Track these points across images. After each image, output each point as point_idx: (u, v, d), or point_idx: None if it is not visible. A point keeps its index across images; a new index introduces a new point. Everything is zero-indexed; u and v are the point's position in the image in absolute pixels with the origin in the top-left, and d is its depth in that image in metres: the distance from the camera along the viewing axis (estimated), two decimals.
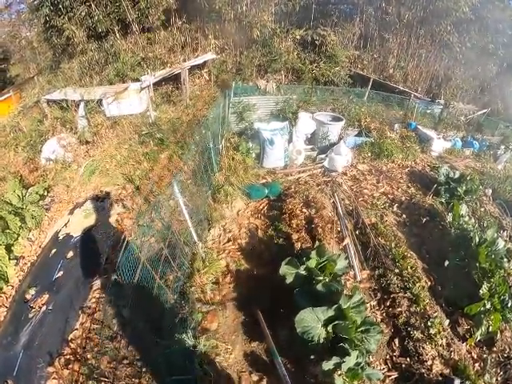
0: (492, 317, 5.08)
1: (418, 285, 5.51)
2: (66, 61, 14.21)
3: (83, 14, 12.41)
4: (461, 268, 5.86)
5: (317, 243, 5.18)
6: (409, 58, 15.63)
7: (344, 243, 6.10)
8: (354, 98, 11.90)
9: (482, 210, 7.91)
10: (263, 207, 6.95)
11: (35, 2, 13.07)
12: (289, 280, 4.74)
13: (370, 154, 9.59)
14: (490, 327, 5.07)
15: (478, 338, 5.08)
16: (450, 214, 6.96)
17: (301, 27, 13.98)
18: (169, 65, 12.70)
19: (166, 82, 12.25)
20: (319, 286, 4.50)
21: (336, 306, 4.20)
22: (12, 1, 18.31)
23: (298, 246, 5.80)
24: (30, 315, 5.31)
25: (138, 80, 11.87)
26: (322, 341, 4.10)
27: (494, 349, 5.10)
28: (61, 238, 6.86)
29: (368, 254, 6.06)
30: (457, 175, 8.36)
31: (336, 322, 4.14)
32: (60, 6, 12.31)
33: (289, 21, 14.09)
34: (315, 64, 13.39)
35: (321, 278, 4.65)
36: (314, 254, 4.90)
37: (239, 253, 5.81)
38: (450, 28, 14.60)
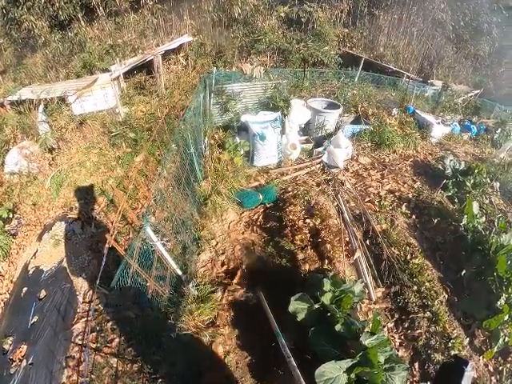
0: (510, 329, 4.75)
1: (436, 301, 5.00)
2: (29, 55, 12.89)
3: (43, 1, 10.98)
4: (477, 275, 5.37)
5: (330, 274, 4.31)
6: (400, 36, 14.78)
7: (355, 257, 5.31)
8: (348, 80, 10.90)
9: (487, 202, 7.38)
10: (258, 217, 6.02)
11: None
12: (300, 317, 3.98)
13: (369, 144, 8.75)
14: (507, 338, 4.72)
15: (495, 351, 4.72)
16: (463, 214, 6.34)
17: (285, 4, 12.80)
18: (140, 51, 11.43)
19: (138, 71, 10.99)
20: (338, 327, 3.76)
21: (361, 353, 3.48)
22: None
23: (305, 267, 4.93)
24: (12, 370, 4.47)
25: (107, 70, 10.62)
26: None
27: (510, 359, 4.79)
28: (30, 272, 5.85)
29: (382, 268, 5.34)
30: (462, 166, 7.84)
31: (360, 370, 3.43)
32: None
33: None
34: (302, 43, 12.27)
35: (338, 314, 3.84)
36: (327, 284, 4.09)
37: (237, 281, 4.90)
38: (444, 6, 13.98)
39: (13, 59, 13.76)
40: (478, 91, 14.93)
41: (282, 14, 12.51)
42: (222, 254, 5.26)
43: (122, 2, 11.30)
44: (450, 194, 7.30)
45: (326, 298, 3.96)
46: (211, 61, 11.40)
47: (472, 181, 7.39)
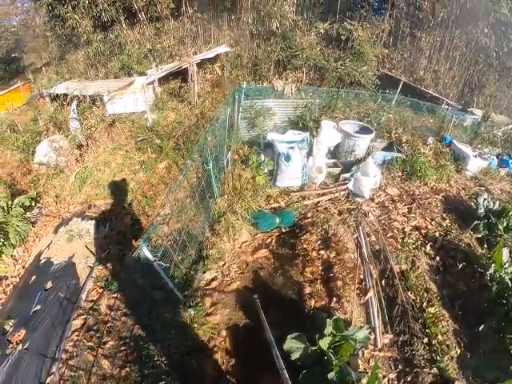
0: None
1: (447, 357, 4.61)
2: (72, 52, 13.59)
3: (87, 2, 11.46)
4: (495, 332, 4.92)
5: (334, 316, 4.01)
6: (441, 60, 14.18)
7: (366, 297, 4.99)
8: (384, 103, 10.47)
9: None
10: (271, 241, 5.79)
11: None
12: (294, 356, 3.76)
13: (400, 174, 8.26)
14: None
15: None
16: (490, 261, 5.79)
17: (325, 20, 12.61)
18: (177, 58, 11.63)
19: (174, 77, 11.15)
20: (331, 374, 3.49)
21: None
22: None
23: (310, 303, 4.68)
24: (8, 351, 4.70)
25: (144, 74, 10.88)
26: None
27: None
28: (42, 262, 6.07)
29: (394, 313, 4.95)
30: (496, 206, 7.20)
31: None
32: None
33: (312, 12, 12.74)
34: (340, 62, 11.96)
35: (335, 362, 3.58)
36: (329, 327, 3.84)
37: (238, 305, 4.73)
38: (488, 30, 13.20)
39: (57, 53, 14.46)
40: None
41: (322, 31, 12.30)
42: (227, 275, 5.08)
43: (163, 9, 11.56)
44: (479, 235, 6.73)
45: (324, 343, 3.70)
46: (247, 73, 11.37)
47: (505, 223, 6.76)
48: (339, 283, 4.94)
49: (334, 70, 11.71)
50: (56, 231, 6.57)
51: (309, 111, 8.43)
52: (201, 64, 11.17)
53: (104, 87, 9.76)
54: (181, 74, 11.03)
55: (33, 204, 7.26)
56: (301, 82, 11.23)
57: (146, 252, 3.27)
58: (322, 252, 5.37)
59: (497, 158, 10.58)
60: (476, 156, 9.76)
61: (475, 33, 13.30)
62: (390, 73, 13.22)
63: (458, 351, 4.76)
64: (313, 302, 4.69)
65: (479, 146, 11.14)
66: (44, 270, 5.88)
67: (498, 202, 7.37)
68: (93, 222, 6.51)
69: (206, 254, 5.13)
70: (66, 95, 9.23)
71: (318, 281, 4.97)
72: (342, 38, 12.35)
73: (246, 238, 5.75)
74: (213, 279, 4.97)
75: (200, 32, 12.41)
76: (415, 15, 13.31)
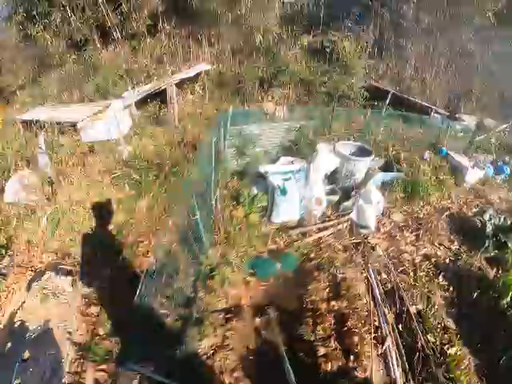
0: None
1: None
2: (45, 74, 12.78)
3: (58, 20, 10.76)
4: None
5: None
6: (427, 67, 14.03)
7: (384, 347, 4.42)
8: (380, 120, 10.00)
9: None
10: (274, 293, 5.07)
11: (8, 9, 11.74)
12: None
13: (401, 195, 7.76)
14: None
15: None
16: (505, 287, 5.39)
17: (308, 33, 12.23)
18: (155, 78, 10.92)
19: (152, 99, 10.45)
20: None
21: None
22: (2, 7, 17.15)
23: (326, 367, 4.05)
24: None
25: (121, 97, 10.17)
26: None
27: None
28: (16, 326, 5.20)
29: (415, 360, 4.40)
30: (502, 221, 6.92)
31: None
32: (34, 13, 10.89)
33: (295, 25, 12.33)
34: (327, 75, 11.54)
35: None
36: None
37: (244, 374, 4.05)
38: (472, 35, 13.23)
39: (31, 75, 13.62)
40: (507, 125, 13.90)
41: (305, 44, 11.87)
42: (228, 338, 4.40)
43: (140, 25, 10.93)
44: (488, 254, 6.39)
45: None
46: (230, 92, 10.75)
47: None
48: (356, 339, 4.34)
49: (322, 85, 11.26)
50: (29, 288, 5.71)
51: (302, 134, 7.80)
52: (180, 84, 10.54)
53: (77, 113, 9.00)
54: (159, 95, 10.37)
55: (3, 252, 6.32)
56: (288, 98, 10.71)
57: (132, 367, 2.60)
58: (332, 303, 4.75)
59: (491, 164, 10.30)
60: (473, 167, 9.44)
61: (460, 38, 13.23)
62: (377, 84, 12.89)
63: None
64: (329, 366, 4.06)
65: (474, 154, 10.86)
66: (19, 336, 5.05)
67: (503, 217, 7.06)
68: (68, 279, 5.71)
69: (201, 319, 4.41)
70: (35, 122, 8.44)
71: (332, 338, 4.36)
72: (327, 50, 11.97)
73: (244, 291, 5.06)
74: (213, 348, 4.25)
75: (179, 49, 11.80)
76: (399, 24, 13.10)
